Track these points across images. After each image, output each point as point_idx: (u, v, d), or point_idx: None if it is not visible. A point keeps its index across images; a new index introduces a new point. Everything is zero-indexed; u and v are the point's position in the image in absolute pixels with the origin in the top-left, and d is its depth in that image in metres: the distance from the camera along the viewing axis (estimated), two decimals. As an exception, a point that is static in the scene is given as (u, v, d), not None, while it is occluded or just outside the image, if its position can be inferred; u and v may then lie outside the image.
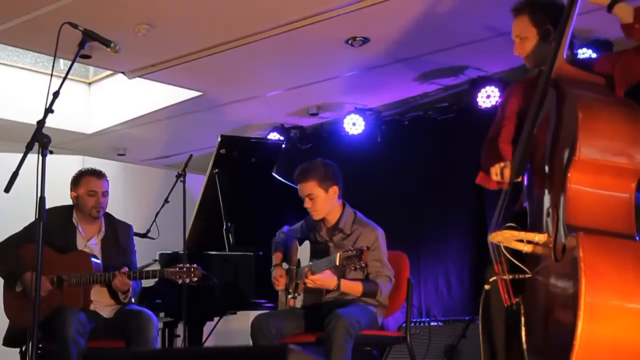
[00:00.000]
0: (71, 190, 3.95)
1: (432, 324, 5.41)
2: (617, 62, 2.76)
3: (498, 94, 5.40)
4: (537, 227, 2.65)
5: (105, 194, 3.93)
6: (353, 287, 3.61)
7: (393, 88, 5.96)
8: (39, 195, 2.75)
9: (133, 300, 4.14)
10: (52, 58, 3.09)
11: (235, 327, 5.87)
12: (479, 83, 5.54)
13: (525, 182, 2.81)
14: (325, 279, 3.53)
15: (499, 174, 2.79)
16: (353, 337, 3.41)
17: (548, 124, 2.69)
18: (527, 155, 2.72)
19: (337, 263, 3.40)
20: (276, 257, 3.96)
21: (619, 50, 2.93)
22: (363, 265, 3.39)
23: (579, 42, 4.84)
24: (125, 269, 3.78)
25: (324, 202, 3.71)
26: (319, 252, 3.74)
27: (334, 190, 3.73)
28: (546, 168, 2.68)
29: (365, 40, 5.00)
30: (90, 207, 3.89)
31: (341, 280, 3.57)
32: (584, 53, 4.80)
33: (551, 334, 2.50)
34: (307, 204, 3.73)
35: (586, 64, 2.88)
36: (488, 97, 5.48)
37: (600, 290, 2.30)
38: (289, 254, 3.98)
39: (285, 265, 3.94)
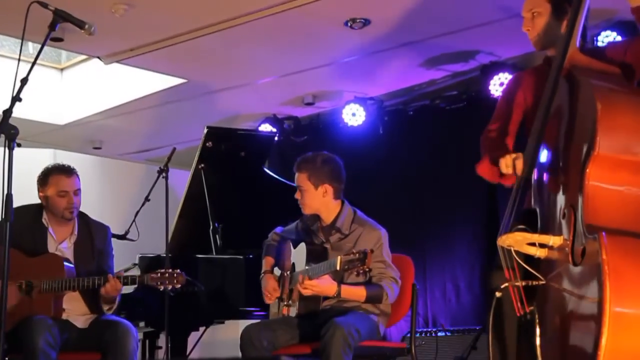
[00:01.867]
0: (39, 191, 3.94)
1: (439, 334, 5.42)
2: (628, 49, 2.78)
3: (509, 81, 5.39)
4: (550, 229, 2.64)
5: (77, 192, 3.92)
6: (355, 293, 3.61)
7: (396, 75, 5.96)
8: (5, 192, 2.73)
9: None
10: (20, 41, 3.08)
11: (223, 338, 5.87)
12: (491, 69, 5.54)
13: (535, 182, 2.81)
14: (323, 285, 3.52)
15: (511, 165, 2.79)
16: (352, 348, 3.42)
17: (560, 117, 2.70)
18: (540, 146, 2.73)
19: (338, 267, 3.39)
20: (266, 263, 3.96)
21: (628, 38, 2.94)
22: (367, 269, 3.39)
23: (604, 23, 4.87)
24: (122, 273, 3.78)
25: (310, 198, 3.75)
26: (316, 255, 3.74)
27: (325, 189, 3.74)
28: (560, 164, 2.68)
29: (366, 22, 4.99)
30: (62, 209, 3.88)
31: (342, 286, 3.56)
32: (608, 36, 4.80)
33: (570, 345, 2.50)
34: (297, 195, 3.79)
35: (597, 52, 2.89)
36: (501, 84, 5.46)
37: (626, 296, 2.29)
38: (282, 258, 3.98)
39: (277, 272, 3.94)
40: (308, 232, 3.89)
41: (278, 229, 4.09)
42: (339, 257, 3.38)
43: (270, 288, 3.85)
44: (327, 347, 3.38)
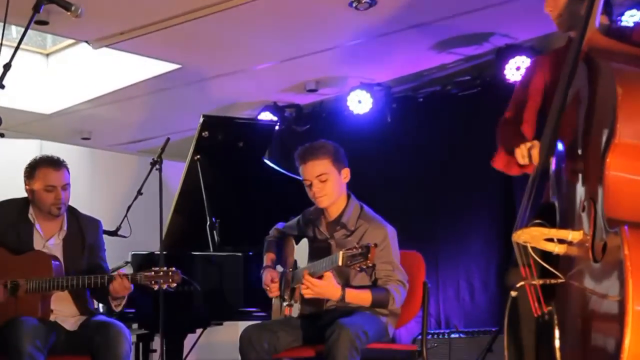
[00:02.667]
0: (25, 184, 3.95)
1: (452, 335, 5.44)
2: None
3: (529, 65, 5.39)
4: (569, 223, 2.64)
5: (65, 187, 3.92)
6: (360, 297, 3.60)
7: (405, 59, 5.96)
8: (-12, 186, 2.74)
9: (102, 309, 4.15)
10: (2, 24, 3.07)
11: (221, 340, 5.89)
12: (506, 52, 5.54)
13: (553, 173, 2.81)
14: (325, 286, 3.50)
15: (527, 155, 2.79)
16: (359, 351, 3.41)
17: (578, 102, 2.69)
18: (557, 134, 2.73)
19: (340, 263, 3.38)
20: (267, 259, 3.96)
21: None
22: (370, 265, 3.38)
23: (629, 1, 4.85)
24: (123, 271, 3.79)
25: (335, 185, 3.71)
26: (319, 251, 3.74)
27: (346, 173, 3.74)
28: (579, 153, 2.68)
29: (372, 3, 4.98)
30: (49, 205, 3.89)
31: (346, 290, 3.55)
32: (633, 15, 4.78)
33: (592, 347, 2.49)
34: (316, 186, 3.70)
35: (623, 33, 2.88)
36: (517, 68, 5.48)
37: (651, 294, 2.30)
38: (283, 255, 3.98)
39: (279, 268, 3.95)
40: (311, 227, 3.89)
41: (279, 225, 4.09)
42: (340, 253, 3.37)
43: (267, 280, 3.85)
44: (332, 350, 3.38)
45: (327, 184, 3.69)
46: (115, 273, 3.75)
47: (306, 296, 3.54)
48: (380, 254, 3.57)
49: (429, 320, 4.30)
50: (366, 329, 3.49)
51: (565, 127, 2.73)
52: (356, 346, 3.39)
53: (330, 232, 3.79)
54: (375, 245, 3.36)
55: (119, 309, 3.85)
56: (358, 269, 3.42)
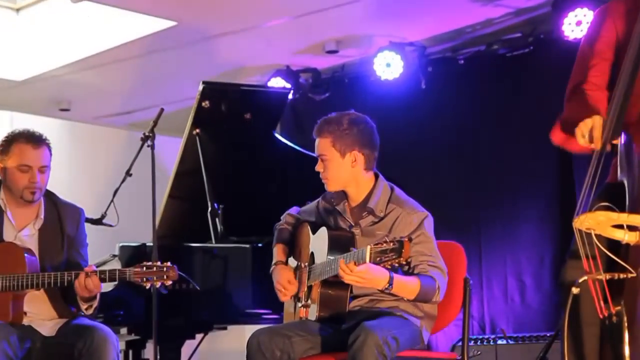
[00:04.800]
0: (-3, 161, 3.97)
1: (499, 342, 5.43)
2: None
3: (591, 19, 5.35)
4: (640, 207, 2.63)
5: (44, 169, 3.92)
6: (408, 285, 3.55)
7: (443, 13, 5.93)
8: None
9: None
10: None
11: (225, 347, 5.92)
12: (564, 4, 5.50)
13: (622, 147, 2.77)
14: (375, 271, 3.42)
15: (587, 135, 2.77)
16: (387, 359, 3.42)
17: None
18: (625, 108, 2.69)
19: (368, 259, 3.36)
20: (278, 252, 3.96)
21: None
22: (403, 263, 3.37)
23: None
24: (93, 267, 3.80)
25: (336, 169, 3.73)
26: (341, 242, 3.73)
27: (354, 157, 3.72)
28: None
29: (404, -54, 4.96)
30: (21, 188, 3.89)
31: (394, 276, 3.50)
32: None
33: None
34: (319, 167, 3.77)
35: None
36: (578, 23, 5.45)
37: None
38: (298, 246, 3.98)
39: (292, 262, 3.95)
40: (332, 213, 3.89)
41: (293, 210, 4.09)
42: (368, 247, 3.34)
43: (284, 281, 3.84)
44: (356, 357, 3.38)
45: (329, 165, 3.75)
46: (83, 270, 3.75)
47: (348, 281, 3.48)
48: (416, 247, 3.55)
49: (470, 324, 4.29)
50: (396, 334, 3.49)
51: (638, 95, 2.70)
52: (385, 354, 3.38)
53: (355, 219, 3.78)
54: (410, 239, 3.34)
55: (89, 312, 3.86)
56: (389, 266, 3.40)
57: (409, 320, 3.64)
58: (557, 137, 3.07)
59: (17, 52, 6.69)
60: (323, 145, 3.76)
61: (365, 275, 3.42)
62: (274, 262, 3.95)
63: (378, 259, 3.32)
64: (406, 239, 3.31)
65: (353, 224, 3.79)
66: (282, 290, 3.84)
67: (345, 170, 3.74)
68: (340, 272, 3.45)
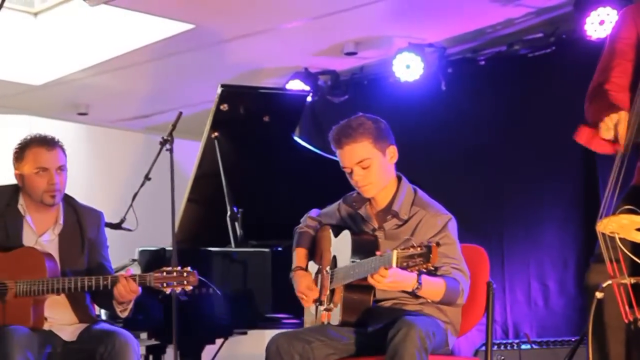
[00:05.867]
0: (14, 168, 3.99)
1: (522, 347, 5.41)
2: None
3: (615, 18, 5.33)
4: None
5: (61, 169, 3.95)
6: (434, 287, 3.53)
7: (463, 14, 5.92)
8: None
9: (104, 316, 4.19)
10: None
11: (245, 352, 5.92)
12: (586, 3, 5.48)
13: None
14: (403, 274, 3.37)
15: (612, 129, 2.76)
16: (428, 354, 3.39)
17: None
18: None
19: (395, 264, 3.32)
20: (298, 256, 3.95)
21: None
22: (432, 268, 3.34)
23: None
24: (131, 271, 3.82)
25: (381, 169, 3.67)
26: (365, 246, 3.71)
27: (392, 151, 3.71)
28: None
29: (424, -54, 4.96)
30: (41, 192, 3.91)
31: (423, 278, 3.46)
32: None
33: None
34: (357, 174, 3.68)
35: None
36: (601, 23, 5.43)
37: None
38: (319, 249, 3.98)
39: (313, 267, 3.95)
40: (354, 216, 3.88)
41: (313, 212, 4.08)
42: (394, 252, 3.31)
43: (303, 287, 3.84)
44: (398, 350, 3.33)
45: (371, 170, 3.66)
46: (119, 274, 3.77)
47: (378, 285, 3.44)
48: (440, 249, 3.52)
49: (494, 329, 4.27)
50: (434, 331, 3.48)
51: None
52: (426, 347, 3.34)
53: (379, 222, 3.77)
54: (438, 244, 3.31)
55: (125, 315, 3.88)
56: (416, 272, 3.38)
57: (437, 322, 3.63)
58: (581, 134, 3.05)
59: (35, 57, 6.72)
60: (362, 150, 3.66)
61: (394, 278, 3.40)
62: (293, 267, 3.95)
63: (405, 263, 3.28)
64: (434, 244, 3.26)
65: (376, 227, 3.78)
66: (303, 297, 3.85)
67: (387, 167, 3.71)
68: (371, 280, 3.42)
